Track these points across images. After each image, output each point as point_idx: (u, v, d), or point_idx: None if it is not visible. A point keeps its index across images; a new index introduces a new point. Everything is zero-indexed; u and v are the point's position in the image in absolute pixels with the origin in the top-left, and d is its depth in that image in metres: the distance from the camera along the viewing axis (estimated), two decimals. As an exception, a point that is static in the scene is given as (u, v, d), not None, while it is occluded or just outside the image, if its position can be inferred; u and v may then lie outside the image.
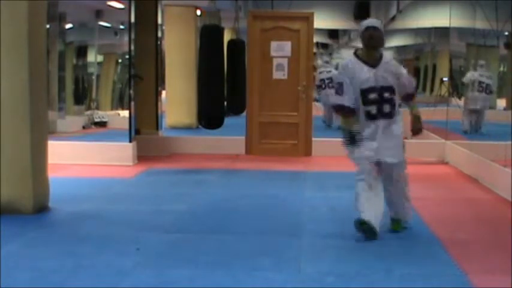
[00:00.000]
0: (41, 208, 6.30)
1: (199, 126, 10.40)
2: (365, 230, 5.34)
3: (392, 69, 5.57)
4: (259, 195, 7.14)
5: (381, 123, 5.47)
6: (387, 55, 5.78)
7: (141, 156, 9.69)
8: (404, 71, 5.72)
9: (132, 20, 9.78)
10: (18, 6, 6.03)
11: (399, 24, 16.85)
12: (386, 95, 5.49)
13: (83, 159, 9.31)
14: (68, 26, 13.45)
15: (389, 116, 5.49)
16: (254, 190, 7.60)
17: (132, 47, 9.85)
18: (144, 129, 10.96)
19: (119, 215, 6.33)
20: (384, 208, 5.52)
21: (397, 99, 5.57)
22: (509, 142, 8.43)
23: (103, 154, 9.43)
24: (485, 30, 12.34)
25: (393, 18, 16.04)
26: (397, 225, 5.71)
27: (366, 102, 5.49)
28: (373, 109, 5.47)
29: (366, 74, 5.49)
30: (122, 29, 12.17)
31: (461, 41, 14.31)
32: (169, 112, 13.54)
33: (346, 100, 5.50)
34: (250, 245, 5.26)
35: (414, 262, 4.84)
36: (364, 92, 5.48)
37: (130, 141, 9.53)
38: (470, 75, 12.49)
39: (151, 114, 11.32)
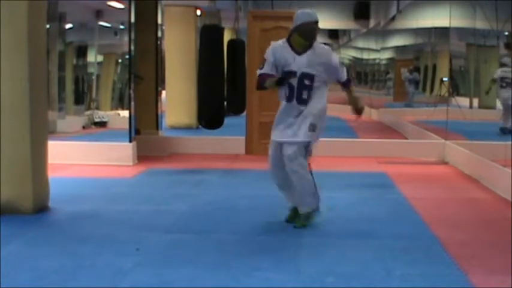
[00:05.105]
0: (41, 208, 6.30)
1: (199, 126, 10.38)
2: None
3: (317, 59, 5.75)
4: (259, 195, 7.13)
5: (297, 107, 5.74)
6: (318, 44, 5.92)
7: (141, 156, 9.69)
8: (334, 59, 5.87)
9: (132, 20, 9.77)
10: (18, 6, 6.03)
11: (399, 24, 16.86)
12: (306, 82, 5.73)
13: (83, 159, 9.31)
14: (68, 26, 13.45)
15: (306, 102, 5.77)
16: (254, 190, 7.60)
17: (132, 47, 9.85)
18: (144, 129, 10.96)
19: (119, 215, 6.32)
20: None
21: (318, 85, 5.76)
22: (509, 142, 8.44)
23: (103, 154, 9.43)
24: (485, 30, 12.34)
25: (393, 18, 16.05)
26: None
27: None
28: (286, 91, 5.77)
29: (290, 59, 5.75)
30: (122, 29, 12.17)
31: (461, 41, 14.31)
32: (169, 112, 13.54)
33: (263, 71, 5.81)
34: (250, 245, 5.26)
35: (414, 262, 4.84)
36: (284, 74, 5.75)
37: (130, 141, 9.53)
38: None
39: (151, 114, 11.33)
